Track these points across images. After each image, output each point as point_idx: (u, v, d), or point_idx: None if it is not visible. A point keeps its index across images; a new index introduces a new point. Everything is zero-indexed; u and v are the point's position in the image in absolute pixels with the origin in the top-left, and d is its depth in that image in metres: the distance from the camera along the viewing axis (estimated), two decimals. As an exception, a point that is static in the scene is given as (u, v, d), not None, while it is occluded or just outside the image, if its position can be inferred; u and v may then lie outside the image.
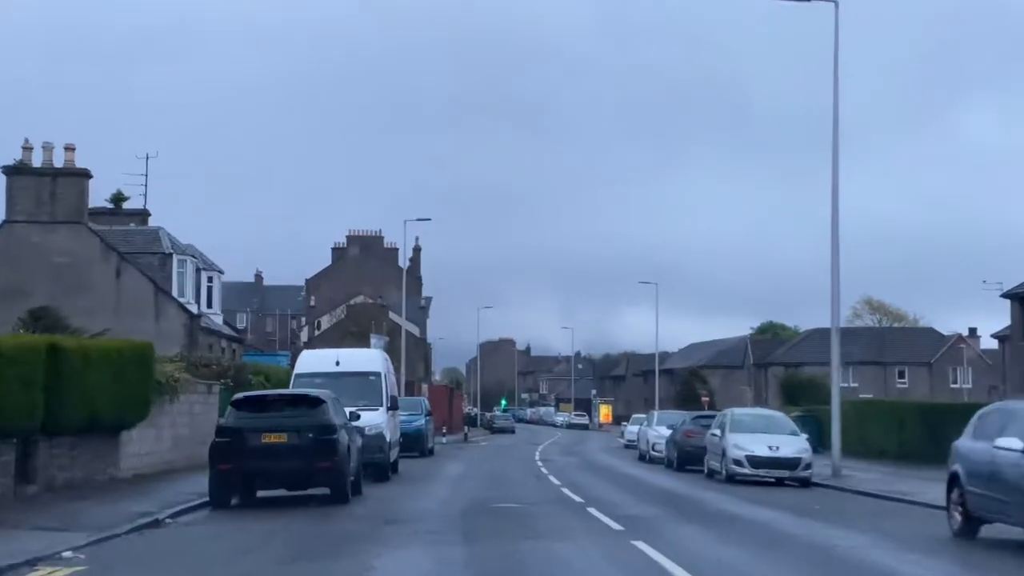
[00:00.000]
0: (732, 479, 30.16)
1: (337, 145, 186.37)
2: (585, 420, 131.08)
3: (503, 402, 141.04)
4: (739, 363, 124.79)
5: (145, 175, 55.92)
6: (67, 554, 14.18)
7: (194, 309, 47.90)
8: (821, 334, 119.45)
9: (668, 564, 13.14)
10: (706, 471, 32.85)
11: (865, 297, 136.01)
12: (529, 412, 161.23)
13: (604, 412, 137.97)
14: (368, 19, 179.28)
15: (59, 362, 21.04)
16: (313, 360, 30.40)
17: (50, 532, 16.02)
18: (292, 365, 35.88)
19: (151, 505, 20.23)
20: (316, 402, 21.41)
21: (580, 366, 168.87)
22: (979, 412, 18.05)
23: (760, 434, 31.11)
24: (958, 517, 17.08)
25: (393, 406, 29.82)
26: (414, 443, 43.88)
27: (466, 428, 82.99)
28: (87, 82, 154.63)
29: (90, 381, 22.37)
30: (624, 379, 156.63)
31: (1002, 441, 15.59)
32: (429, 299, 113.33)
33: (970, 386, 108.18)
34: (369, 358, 30.73)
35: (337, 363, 29.56)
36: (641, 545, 14.85)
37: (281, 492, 22.04)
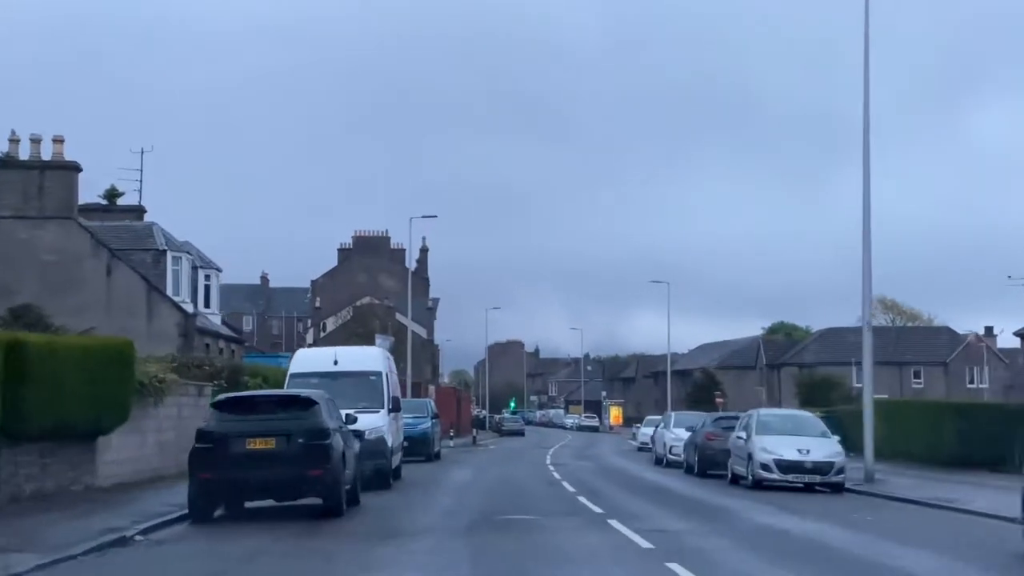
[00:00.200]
0: (759, 485, 28.06)
1: (344, 146, 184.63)
2: (595, 422, 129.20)
3: (512, 404, 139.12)
4: (751, 364, 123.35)
5: (140, 170, 53.86)
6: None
7: (189, 308, 45.96)
8: (835, 334, 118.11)
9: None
10: (730, 476, 30.75)
11: (879, 296, 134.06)
12: (538, 414, 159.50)
13: (614, 414, 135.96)
14: (374, 19, 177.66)
15: (21, 360, 19.00)
16: (309, 359, 28.33)
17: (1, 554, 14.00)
18: (293, 366, 33.76)
19: (124, 519, 18.20)
20: (308, 403, 19.34)
21: (589, 368, 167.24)
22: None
23: (789, 436, 28.99)
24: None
25: (395, 408, 27.72)
26: (419, 447, 41.93)
27: (474, 431, 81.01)
28: (90, 82, 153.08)
29: (59, 381, 20.34)
30: (634, 381, 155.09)
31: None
32: (436, 300, 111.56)
33: (986, 385, 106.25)
34: (369, 357, 28.60)
35: (335, 362, 27.49)
36: (678, 569, 12.74)
37: (270, 502, 19.98)
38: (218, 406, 19.27)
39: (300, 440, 18.63)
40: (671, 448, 41.17)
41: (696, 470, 34.69)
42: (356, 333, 77.20)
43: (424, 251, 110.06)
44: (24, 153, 41.20)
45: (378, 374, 27.40)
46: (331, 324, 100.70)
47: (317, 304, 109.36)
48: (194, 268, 49.46)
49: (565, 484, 28.66)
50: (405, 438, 38.02)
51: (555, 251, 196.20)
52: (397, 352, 75.08)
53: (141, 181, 53.84)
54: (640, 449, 58.95)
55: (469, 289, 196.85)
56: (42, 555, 13.97)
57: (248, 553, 14.78)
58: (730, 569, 13.05)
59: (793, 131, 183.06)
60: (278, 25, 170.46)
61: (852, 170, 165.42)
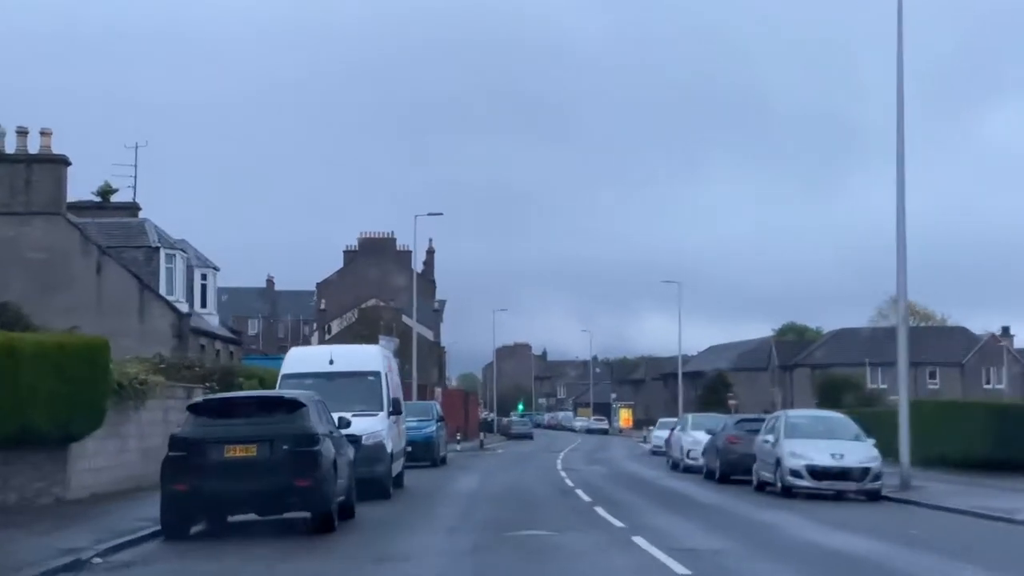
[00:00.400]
0: (789, 492, 25.97)
1: (349, 148, 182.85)
2: (605, 425, 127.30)
3: (520, 407, 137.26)
4: (763, 365, 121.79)
5: (134, 166, 51.95)
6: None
7: (184, 308, 43.98)
8: (848, 334, 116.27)
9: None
10: (755, 483, 28.67)
11: (893, 297, 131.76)
12: (547, 417, 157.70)
13: (624, 416, 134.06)
14: (380, 21, 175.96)
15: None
16: (303, 358, 26.25)
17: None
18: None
19: (89, 537, 16.21)
20: (294, 406, 17.29)
21: (597, 370, 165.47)
22: None
23: (820, 440, 26.87)
24: None
25: (396, 410, 25.60)
26: (424, 452, 39.93)
27: (482, 434, 78.96)
28: (94, 82, 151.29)
29: (21, 383, 18.36)
30: (643, 383, 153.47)
31: None
32: (443, 302, 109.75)
33: (1003, 386, 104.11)
34: (367, 356, 26.47)
35: (330, 362, 25.44)
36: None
37: (254, 517, 17.95)
38: (194, 409, 17.23)
39: (285, 447, 16.60)
40: (689, 452, 39.09)
41: (717, 476, 32.61)
42: (361, 335, 75.17)
43: (431, 253, 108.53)
44: (10, 147, 39.34)
45: (377, 374, 25.36)
46: (336, 326, 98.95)
47: (322, 306, 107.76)
48: (190, 267, 47.53)
49: (579, 492, 26.55)
50: (408, 443, 35.99)
51: (561, 253, 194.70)
52: (402, 354, 73.45)
53: (135, 177, 52.02)
54: (654, 453, 56.94)
55: (476, 291, 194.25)
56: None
57: (220, 578, 12.76)
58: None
59: (798, 132, 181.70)
60: (281, 28, 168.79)
61: (858, 171, 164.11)
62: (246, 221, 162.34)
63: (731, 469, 32.04)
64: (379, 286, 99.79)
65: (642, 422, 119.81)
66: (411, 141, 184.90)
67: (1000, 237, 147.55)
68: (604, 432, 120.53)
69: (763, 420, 32.59)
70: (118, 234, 44.36)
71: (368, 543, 16.23)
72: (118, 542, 15.95)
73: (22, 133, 39.81)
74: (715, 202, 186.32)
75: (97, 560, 14.42)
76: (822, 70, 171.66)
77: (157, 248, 44.07)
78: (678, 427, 43.34)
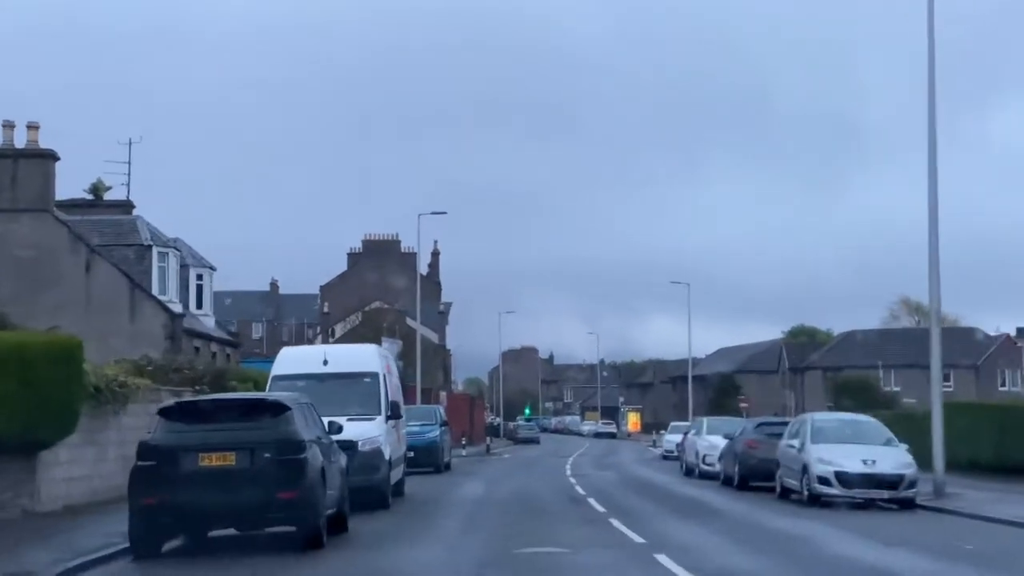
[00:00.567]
0: (816, 501, 24.19)
1: (352, 150, 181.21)
2: (613, 429, 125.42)
3: (527, 411, 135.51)
4: (773, 368, 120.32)
5: (128, 163, 50.17)
6: None
7: (177, 308, 42.30)
8: (859, 336, 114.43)
9: None
10: (778, 490, 26.89)
11: (902, 297, 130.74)
12: (554, 421, 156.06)
13: (632, 420, 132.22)
14: (384, 21, 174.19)
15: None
16: (295, 359, 24.43)
17: None
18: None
19: (50, 555, 14.56)
20: (278, 409, 15.55)
21: (605, 374, 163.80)
22: None
23: (849, 445, 25.08)
24: None
25: (394, 414, 23.83)
26: (427, 457, 38.25)
27: (488, 439, 77.22)
28: (98, 84, 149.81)
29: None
30: (651, 386, 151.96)
31: None
32: (449, 304, 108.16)
33: (1019, 388, 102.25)
34: (364, 356, 24.68)
35: (324, 362, 23.67)
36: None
37: (234, 531, 16.23)
38: (166, 413, 15.47)
39: (267, 455, 14.89)
40: (704, 457, 37.29)
41: (736, 482, 30.82)
42: (365, 338, 73.50)
43: (436, 255, 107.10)
44: (-2, 141, 37.84)
45: (374, 376, 23.60)
46: (340, 329, 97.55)
47: (325, 309, 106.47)
48: (184, 266, 45.87)
49: (592, 501, 24.73)
50: (411, 448, 34.30)
51: (565, 254, 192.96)
52: (406, 357, 71.83)
53: (129, 175, 50.24)
54: (665, 457, 55.22)
55: (482, 294, 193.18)
56: None
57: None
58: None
59: (800, 131, 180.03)
60: (282, 27, 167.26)
61: (860, 170, 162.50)
62: (250, 224, 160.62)
63: (750, 475, 30.30)
64: (383, 288, 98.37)
65: (650, 426, 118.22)
66: (415, 143, 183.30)
67: (1014, 236, 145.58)
68: (612, 436, 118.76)
69: (785, 423, 30.87)
70: (109, 232, 42.72)
71: (360, 561, 14.55)
72: (80, 561, 14.30)
73: (8, 126, 38.28)
74: (717, 202, 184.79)
75: (49, 584, 12.73)
76: (823, 69, 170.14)
77: (149, 246, 42.41)
78: (692, 431, 41.51)
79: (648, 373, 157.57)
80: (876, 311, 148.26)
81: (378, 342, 63.16)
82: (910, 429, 29.16)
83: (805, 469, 24.80)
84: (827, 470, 24.21)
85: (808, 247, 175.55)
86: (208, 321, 47.99)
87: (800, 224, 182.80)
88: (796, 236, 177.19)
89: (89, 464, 22.12)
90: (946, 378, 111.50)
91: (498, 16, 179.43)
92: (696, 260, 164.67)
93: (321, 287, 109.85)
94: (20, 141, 38.16)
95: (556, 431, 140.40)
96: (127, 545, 15.41)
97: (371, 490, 22.02)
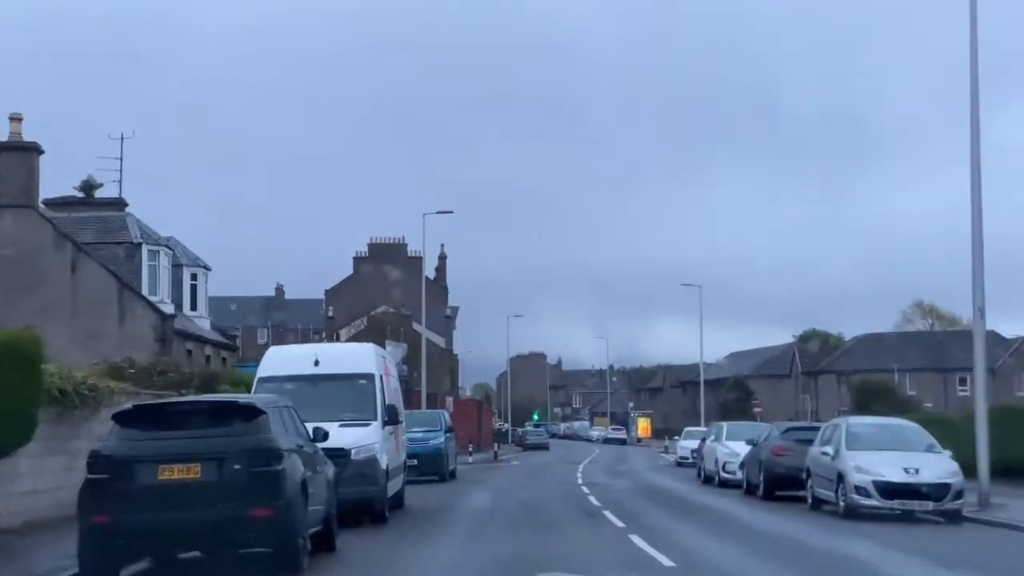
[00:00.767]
0: (854, 513, 22.11)
1: (357, 154, 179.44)
2: (623, 434, 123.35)
3: (535, 417, 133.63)
4: (786, 372, 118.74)
5: (120, 159, 48.27)
6: None
7: (169, 309, 40.35)
8: (874, 339, 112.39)
9: None
10: (810, 501, 24.81)
11: (916, 300, 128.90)
12: (562, 427, 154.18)
13: (643, 426, 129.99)
14: (391, 23, 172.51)
15: None
16: (283, 359, 22.32)
17: None
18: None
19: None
20: (250, 413, 13.47)
21: (614, 379, 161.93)
22: None
23: (889, 452, 22.98)
24: None
25: (392, 419, 21.71)
26: (431, 465, 36.33)
27: (496, 445, 75.18)
28: (100, 86, 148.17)
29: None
30: (661, 391, 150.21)
31: None
32: (456, 309, 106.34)
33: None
34: (359, 355, 22.57)
35: (316, 362, 21.60)
36: None
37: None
38: (122, 419, 13.39)
39: (237, 465, 12.83)
40: (724, 464, 35.21)
41: (761, 491, 28.73)
42: (369, 342, 71.67)
43: (443, 259, 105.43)
44: (-17, 135, 36.05)
45: (369, 377, 21.52)
46: (345, 334, 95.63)
47: (330, 314, 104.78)
48: (178, 265, 43.93)
49: (608, 515, 22.59)
50: (414, 455, 32.35)
51: (573, 258, 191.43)
52: (411, 361, 69.84)
53: (121, 171, 48.37)
54: (679, 464, 53.20)
55: (489, 299, 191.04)
56: None
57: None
58: None
59: (814, 134, 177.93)
60: (290, 26, 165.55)
61: (868, 173, 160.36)
62: (256, 229, 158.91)
63: (777, 484, 28.24)
64: (389, 292, 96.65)
65: (661, 431, 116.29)
66: (422, 145, 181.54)
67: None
68: (622, 442, 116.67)
69: (813, 428, 28.79)
70: (97, 229, 40.82)
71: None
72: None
73: (-11, 119, 36.43)
74: (726, 205, 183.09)
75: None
76: (832, 71, 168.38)
77: (139, 244, 40.51)
78: (710, 437, 39.38)
79: (657, 378, 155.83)
80: (888, 314, 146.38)
81: (382, 346, 61.30)
82: (943, 434, 27.02)
83: (840, 478, 22.74)
84: (865, 479, 22.14)
85: (819, 250, 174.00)
86: (203, 323, 46.06)
87: (810, 227, 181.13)
88: (806, 239, 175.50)
89: (55, 475, 20.08)
90: (962, 382, 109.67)
91: (507, 17, 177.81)
92: (705, 264, 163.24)
93: (326, 291, 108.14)
94: (3, 134, 36.46)
95: (565, 437, 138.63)
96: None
97: (366, 503, 20.05)
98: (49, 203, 42.94)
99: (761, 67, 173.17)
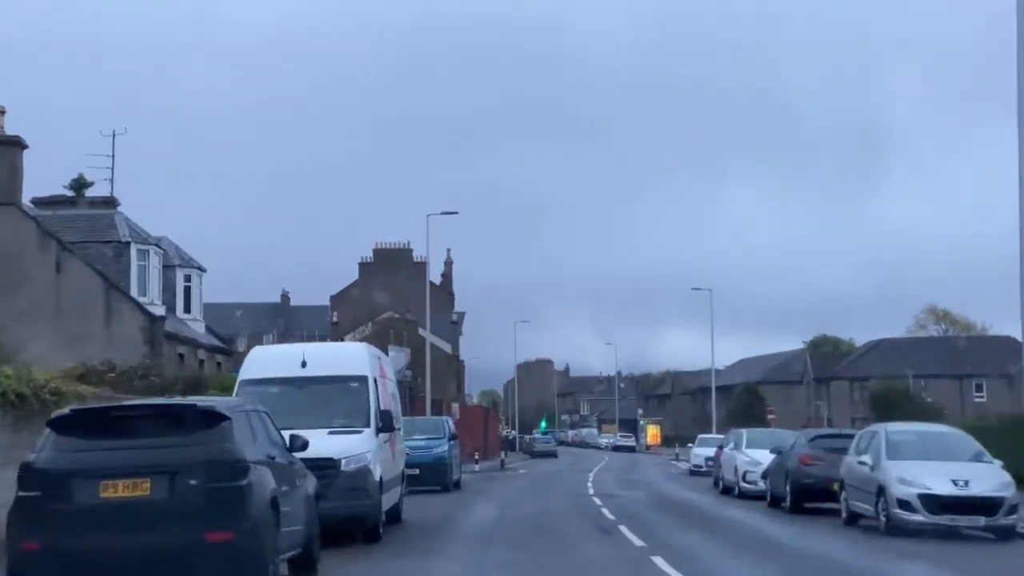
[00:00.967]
0: (896, 529, 20.04)
1: (364, 160, 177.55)
2: (632, 442, 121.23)
3: (543, 424, 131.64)
4: (797, 378, 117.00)
5: (112, 156, 46.35)
6: None
7: (159, 311, 38.43)
8: (887, 345, 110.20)
9: None
10: (844, 515, 22.73)
11: (929, 306, 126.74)
12: (570, 434, 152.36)
13: (652, 433, 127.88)
14: (398, 30, 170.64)
15: None
16: (267, 359, 20.28)
17: None
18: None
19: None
20: (210, 418, 11.42)
21: (622, 385, 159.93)
22: None
23: (934, 462, 20.90)
24: None
25: (386, 426, 19.66)
26: (434, 475, 34.23)
27: (503, 453, 73.15)
28: (103, 89, 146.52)
29: None
30: (670, 398, 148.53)
31: None
32: (462, 314, 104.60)
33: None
34: (350, 356, 20.54)
35: (303, 364, 19.59)
36: None
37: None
38: (58, 425, 11.38)
39: (193, 481, 10.81)
40: (745, 474, 33.12)
41: (788, 504, 26.66)
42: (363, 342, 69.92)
43: (449, 264, 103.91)
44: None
45: (362, 380, 19.47)
46: (350, 340, 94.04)
47: (335, 320, 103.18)
48: (170, 266, 42.01)
49: (625, 531, 20.51)
50: (416, 465, 30.30)
51: (582, 265, 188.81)
52: (416, 366, 67.94)
53: (113, 169, 46.45)
54: (692, 473, 51.04)
55: (496, 306, 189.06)
56: None
57: None
58: None
59: (825, 141, 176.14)
60: (296, 35, 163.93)
61: (878, 179, 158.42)
62: (262, 236, 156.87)
63: (805, 496, 26.16)
64: (395, 298, 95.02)
65: (670, 439, 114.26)
66: (428, 151, 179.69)
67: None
68: (631, 450, 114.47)
69: (845, 436, 26.72)
70: (84, 227, 38.93)
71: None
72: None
73: (-31, 114, 34.64)
74: (735, 211, 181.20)
75: None
76: (846, 78, 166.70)
77: (128, 243, 38.59)
78: (728, 444, 37.23)
79: (666, 385, 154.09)
80: (900, 320, 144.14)
81: (387, 352, 59.35)
82: (992, 439, 25.03)
83: (881, 491, 20.65)
84: (909, 492, 20.05)
85: (829, 257, 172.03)
86: (197, 326, 44.14)
87: (821, 233, 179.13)
88: (817, 246, 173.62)
89: (11, 488, 18.08)
90: (979, 389, 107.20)
91: (516, 24, 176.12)
92: (714, 270, 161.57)
93: (331, 297, 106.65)
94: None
95: (573, 444, 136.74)
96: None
97: (358, 519, 18.07)
98: (39, 202, 41.14)
99: (771, 71, 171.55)
